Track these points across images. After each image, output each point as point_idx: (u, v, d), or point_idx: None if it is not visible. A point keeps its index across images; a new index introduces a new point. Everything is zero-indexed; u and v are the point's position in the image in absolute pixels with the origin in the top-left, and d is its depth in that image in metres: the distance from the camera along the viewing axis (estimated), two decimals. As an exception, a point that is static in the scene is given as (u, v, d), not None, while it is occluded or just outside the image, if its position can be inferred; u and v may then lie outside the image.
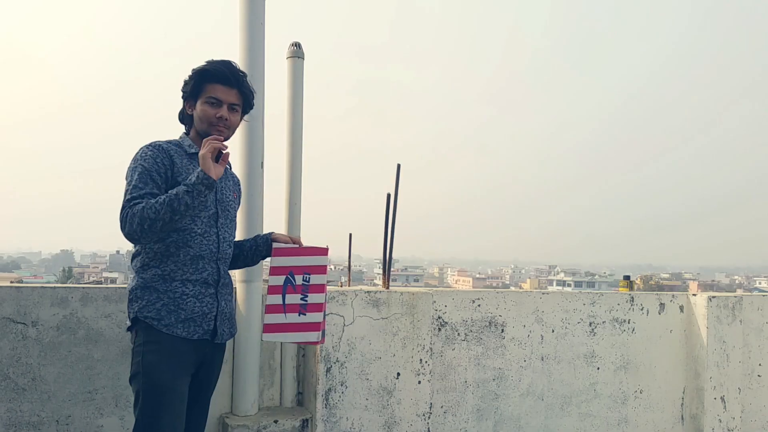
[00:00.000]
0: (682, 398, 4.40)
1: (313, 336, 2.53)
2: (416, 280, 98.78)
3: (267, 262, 2.80)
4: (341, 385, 3.51)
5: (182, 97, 2.59)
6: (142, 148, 2.47)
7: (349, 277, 4.24)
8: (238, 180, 2.87)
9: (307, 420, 3.58)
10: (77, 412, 3.37)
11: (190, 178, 2.33)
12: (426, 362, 3.64)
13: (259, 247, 2.73)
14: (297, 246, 2.58)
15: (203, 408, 2.68)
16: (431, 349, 3.68)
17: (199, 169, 2.31)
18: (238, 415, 3.60)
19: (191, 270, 2.46)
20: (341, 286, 3.85)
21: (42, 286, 3.40)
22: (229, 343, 3.65)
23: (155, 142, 2.51)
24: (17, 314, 3.29)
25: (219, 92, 2.50)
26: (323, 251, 2.56)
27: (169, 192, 2.31)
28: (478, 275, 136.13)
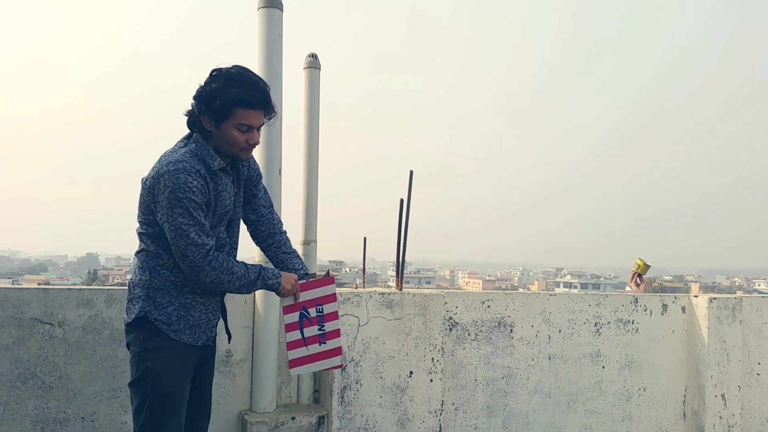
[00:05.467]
0: (684, 396, 4.31)
1: (336, 360, 2.55)
2: (428, 282, 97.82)
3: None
4: (356, 383, 3.43)
5: (198, 110, 2.29)
6: (182, 176, 2.19)
7: (364, 279, 4.17)
8: (256, 168, 2.60)
9: (323, 417, 3.51)
10: (102, 409, 3.31)
11: (270, 278, 2.37)
12: (438, 361, 3.57)
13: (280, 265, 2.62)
14: (304, 282, 2.52)
15: (205, 409, 2.56)
16: (443, 348, 3.60)
17: (279, 284, 2.39)
18: (256, 411, 3.53)
19: None
20: (356, 288, 3.78)
21: (68, 288, 3.34)
22: (247, 343, 3.59)
23: (188, 164, 2.23)
24: (44, 315, 3.23)
25: (251, 119, 2.28)
26: (330, 281, 2.54)
27: (250, 272, 2.32)
28: (487, 277, 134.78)
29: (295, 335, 2.49)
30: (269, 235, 2.62)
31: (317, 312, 2.49)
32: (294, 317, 2.49)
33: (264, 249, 2.64)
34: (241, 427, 3.53)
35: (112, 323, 3.32)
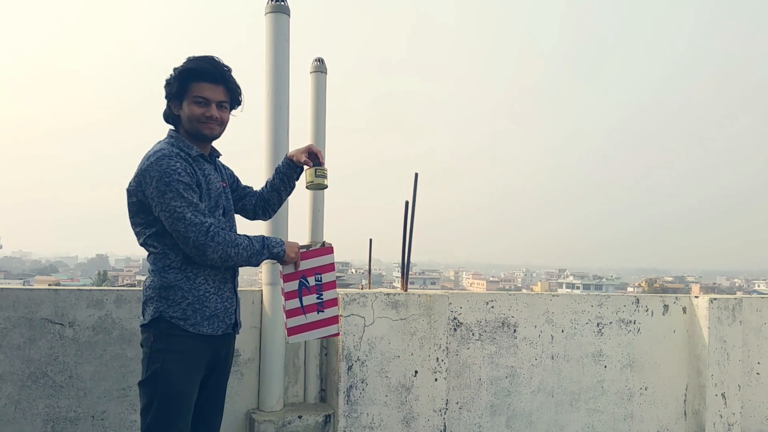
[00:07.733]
0: (685, 395, 4.27)
1: (333, 329, 2.50)
2: (433, 283, 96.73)
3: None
4: (362, 382, 3.40)
5: (166, 97, 2.35)
6: (164, 161, 2.20)
7: (370, 280, 4.13)
8: (231, 171, 2.66)
9: (329, 415, 3.48)
10: (112, 408, 3.28)
11: (275, 246, 2.36)
12: (442, 361, 3.53)
13: (288, 173, 2.62)
14: (304, 251, 2.49)
15: (219, 406, 2.51)
16: (447, 348, 3.57)
17: (284, 252, 2.37)
18: (264, 410, 3.50)
19: (212, 270, 2.32)
20: (362, 289, 3.75)
21: (78, 289, 3.32)
22: (255, 343, 3.56)
23: (168, 150, 2.25)
24: (55, 315, 3.21)
25: (206, 91, 2.30)
26: (329, 250, 2.50)
27: (254, 242, 2.31)
28: (491, 278, 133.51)
29: (294, 303, 2.45)
30: (261, 193, 2.68)
31: (316, 281, 2.46)
32: (294, 285, 2.45)
33: (269, 194, 2.67)
34: (248, 425, 3.50)
35: (122, 323, 3.30)
